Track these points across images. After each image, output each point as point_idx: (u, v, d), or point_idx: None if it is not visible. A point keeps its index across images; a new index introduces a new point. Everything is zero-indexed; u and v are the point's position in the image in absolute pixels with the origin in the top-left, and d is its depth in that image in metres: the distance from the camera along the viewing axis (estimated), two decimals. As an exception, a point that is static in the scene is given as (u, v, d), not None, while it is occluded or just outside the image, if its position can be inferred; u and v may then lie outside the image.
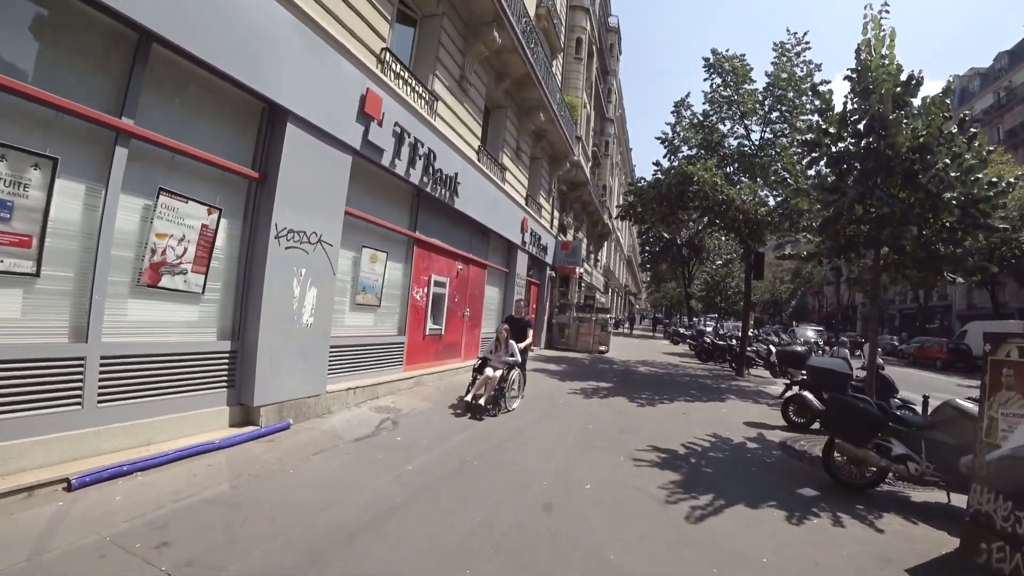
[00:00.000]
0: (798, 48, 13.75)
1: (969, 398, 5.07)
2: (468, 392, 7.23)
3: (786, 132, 13.90)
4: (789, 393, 8.52)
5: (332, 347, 6.53)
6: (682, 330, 30.88)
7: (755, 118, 14.57)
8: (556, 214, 19.57)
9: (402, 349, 8.52)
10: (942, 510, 4.90)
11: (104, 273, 4.09)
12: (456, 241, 10.35)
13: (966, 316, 34.40)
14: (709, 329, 28.96)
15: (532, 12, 13.84)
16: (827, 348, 17.02)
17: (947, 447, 4.78)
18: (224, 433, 4.99)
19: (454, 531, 3.58)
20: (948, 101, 6.38)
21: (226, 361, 5.22)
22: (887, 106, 6.26)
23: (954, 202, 5.99)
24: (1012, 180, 6.19)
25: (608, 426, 7.26)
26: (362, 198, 7.09)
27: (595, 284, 30.23)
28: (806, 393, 7.46)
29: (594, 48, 24.10)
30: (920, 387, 13.61)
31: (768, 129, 14.53)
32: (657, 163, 15.16)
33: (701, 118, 15.23)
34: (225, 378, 5.22)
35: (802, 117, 13.47)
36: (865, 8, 6.70)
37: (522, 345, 8.02)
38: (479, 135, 10.95)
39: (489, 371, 7.32)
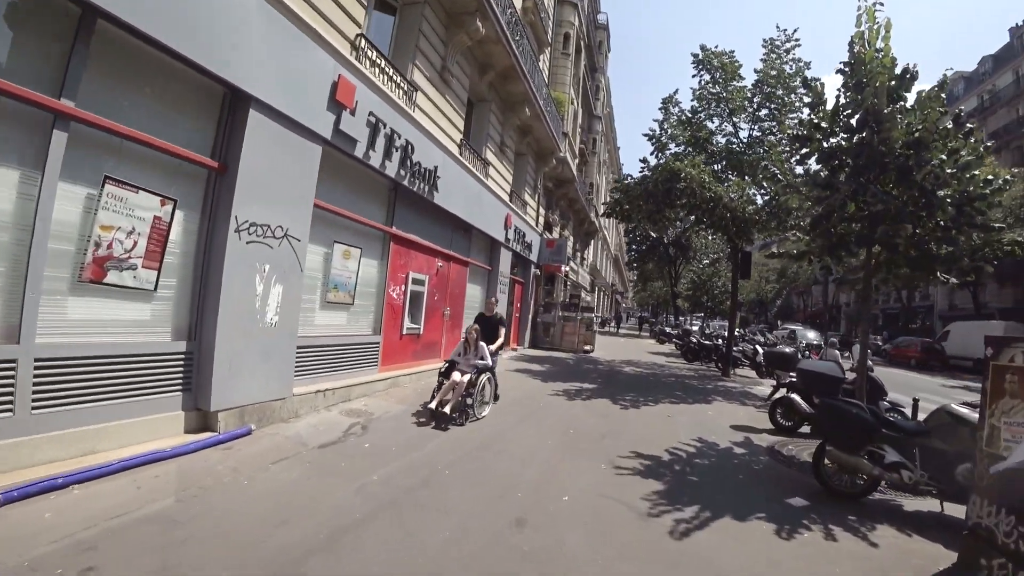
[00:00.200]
0: (788, 45, 13.54)
1: (964, 403, 4.87)
2: (433, 398, 6.64)
3: (775, 130, 13.73)
4: (777, 395, 8.34)
5: (300, 347, 6.17)
6: (668, 329, 30.78)
7: (744, 115, 14.40)
8: (542, 211, 19.26)
9: (377, 349, 8.17)
10: (936, 520, 4.68)
11: (39, 268, 3.75)
12: (436, 237, 10.00)
13: (948, 316, 34.78)
14: (695, 329, 28.95)
15: (519, 5, 13.52)
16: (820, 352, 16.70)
17: (943, 455, 4.57)
18: (177, 440, 4.63)
19: (416, 552, 3.27)
20: (944, 96, 6.18)
21: (181, 363, 4.85)
22: (881, 100, 6.04)
23: (948, 200, 5.80)
24: (1008, 178, 6.00)
25: (590, 430, 6.98)
26: (334, 191, 6.73)
27: (581, 283, 30.02)
28: (794, 396, 7.27)
29: (582, 44, 23.80)
30: (903, 387, 13.56)
31: (757, 127, 14.36)
32: (644, 160, 14.95)
33: (689, 115, 15.01)
34: (180, 381, 4.86)
35: (791, 115, 13.32)
36: (859, 0, 6.48)
37: (493, 347, 7.52)
38: (461, 128, 10.60)
39: (456, 375, 6.71)
